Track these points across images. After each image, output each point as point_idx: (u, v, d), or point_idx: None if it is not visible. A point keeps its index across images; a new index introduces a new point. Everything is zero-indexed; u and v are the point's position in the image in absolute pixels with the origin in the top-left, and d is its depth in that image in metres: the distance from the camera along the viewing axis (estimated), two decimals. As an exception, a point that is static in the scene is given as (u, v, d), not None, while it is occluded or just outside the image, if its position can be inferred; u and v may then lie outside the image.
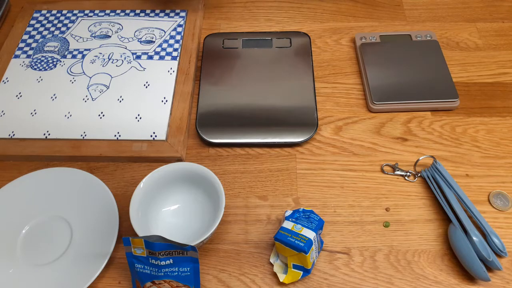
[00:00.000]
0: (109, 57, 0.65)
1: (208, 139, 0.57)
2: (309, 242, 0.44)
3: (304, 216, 0.48)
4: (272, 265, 0.48)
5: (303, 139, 0.56)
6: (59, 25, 0.70)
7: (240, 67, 0.64)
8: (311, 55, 0.65)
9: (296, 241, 0.44)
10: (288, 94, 0.60)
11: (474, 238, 0.47)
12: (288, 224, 0.46)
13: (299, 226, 0.46)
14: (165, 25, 0.69)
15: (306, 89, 0.61)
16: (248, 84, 0.62)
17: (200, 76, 0.63)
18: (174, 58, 0.65)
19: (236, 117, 0.58)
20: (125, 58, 0.65)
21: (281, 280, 0.46)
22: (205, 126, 0.58)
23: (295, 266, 0.46)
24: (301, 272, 0.46)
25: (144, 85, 0.62)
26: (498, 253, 0.48)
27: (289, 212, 0.49)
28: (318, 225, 0.47)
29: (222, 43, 0.67)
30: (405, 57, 0.64)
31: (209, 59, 0.64)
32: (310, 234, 0.45)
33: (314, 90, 0.61)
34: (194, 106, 0.61)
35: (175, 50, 0.66)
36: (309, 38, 0.67)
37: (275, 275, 0.48)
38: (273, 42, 0.66)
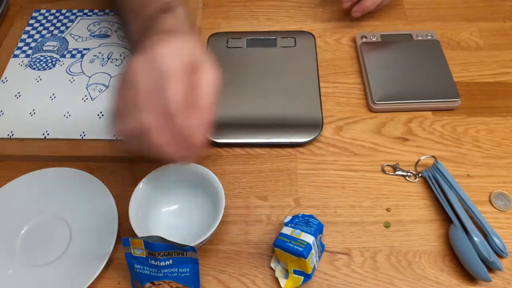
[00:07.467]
0: (108, 57, 0.65)
1: (213, 139, 0.56)
2: (308, 246, 0.44)
3: (303, 221, 0.48)
4: (273, 269, 0.48)
5: (307, 139, 0.56)
6: (58, 24, 0.70)
7: (244, 66, 0.63)
8: (316, 55, 0.64)
9: (295, 246, 0.44)
10: (293, 94, 0.60)
11: (475, 239, 0.47)
12: (287, 230, 0.46)
13: (297, 231, 0.46)
14: (164, 24, 0.69)
15: (311, 89, 0.60)
16: (252, 84, 0.61)
17: None
18: (173, 57, 0.64)
19: (240, 117, 0.58)
20: (124, 57, 0.65)
21: (282, 286, 0.46)
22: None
23: (295, 272, 0.46)
24: (302, 278, 0.46)
25: (144, 84, 0.61)
26: (499, 254, 0.48)
27: (288, 218, 0.49)
28: (317, 229, 0.46)
29: (226, 42, 0.66)
30: (406, 57, 0.63)
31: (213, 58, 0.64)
32: (309, 238, 0.45)
33: (319, 90, 0.60)
34: (194, 106, 0.61)
35: (175, 49, 0.65)
36: (314, 37, 0.67)
37: (275, 275, 0.48)
38: (277, 42, 0.66)
